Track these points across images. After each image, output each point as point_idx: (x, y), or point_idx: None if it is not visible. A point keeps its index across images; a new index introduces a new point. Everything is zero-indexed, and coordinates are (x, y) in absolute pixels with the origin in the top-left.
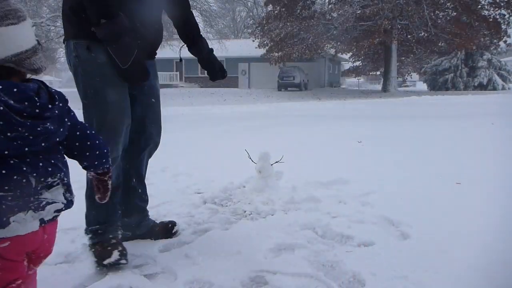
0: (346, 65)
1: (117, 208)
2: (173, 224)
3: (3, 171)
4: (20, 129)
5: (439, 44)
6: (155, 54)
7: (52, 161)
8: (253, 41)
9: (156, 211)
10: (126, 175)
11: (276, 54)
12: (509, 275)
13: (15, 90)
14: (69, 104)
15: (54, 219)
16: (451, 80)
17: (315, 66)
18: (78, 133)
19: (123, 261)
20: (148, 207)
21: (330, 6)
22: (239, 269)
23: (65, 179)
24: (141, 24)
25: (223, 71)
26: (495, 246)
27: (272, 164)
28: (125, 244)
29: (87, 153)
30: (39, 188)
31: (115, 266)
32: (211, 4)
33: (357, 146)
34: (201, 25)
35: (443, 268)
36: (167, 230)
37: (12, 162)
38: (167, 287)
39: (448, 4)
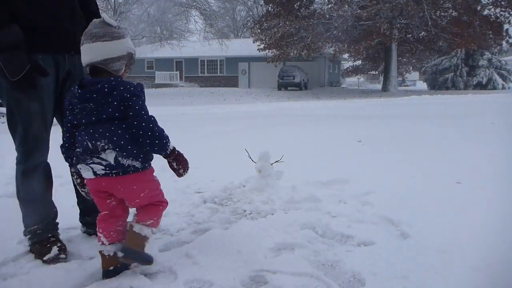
0: (346, 65)
1: (53, 206)
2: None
3: (77, 133)
4: (76, 108)
5: (439, 44)
6: (76, 46)
7: (100, 131)
8: (253, 42)
9: None
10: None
11: (274, 52)
12: (509, 275)
13: (81, 85)
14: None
15: (110, 175)
16: (451, 79)
17: (315, 66)
18: (134, 122)
19: (63, 256)
20: None
21: (329, 6)
22: (239, 269)
23: (117, 148)
24: (51, 17)
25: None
26: (495, 246)
27: (272, 164)
28: None
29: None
30: (93, 149)
31: (56, 261)
32: (211, 4)
33: (357, 145)
34: (201, 25)
35: (443, 268)
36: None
37: (80, 129)
38: (167, 287)
39: (449, 4)
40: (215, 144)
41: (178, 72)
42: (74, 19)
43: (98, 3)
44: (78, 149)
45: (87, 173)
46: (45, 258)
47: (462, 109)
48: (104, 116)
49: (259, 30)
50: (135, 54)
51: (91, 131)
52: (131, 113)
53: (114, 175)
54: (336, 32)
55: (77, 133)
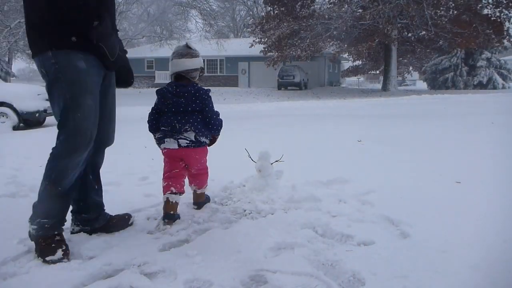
0: (347, 65)
1: (68, 207)
2: (129, 215)
3: (165, 117)
4: (169, 101)
5: (440, 43)
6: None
7: (186, 118)
8: (251, 45)
9: (156, 210)
10: (83, 172)
11: (275, 54)
12: (509, 275)
13: (174, 86)
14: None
15: (190, 147)
16: (451, 79)
17: (315, 65)
18: (208, 114)
19: (65, 260)
20: (148, 206)
21: (329, 6)
22: (239, 268)
23: (196, 130)
24: (112, 23)
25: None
26: (495, 246)
27: (272, 163)
28: (126, 244)
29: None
30: (179, 129)
31: (58, 262)
32: (210, 3)
33: (357, 145)
34: (200, 25)
35: (442, 268)
36: (124, 221)
37: (169, 115)
38: (167, 286)
39: (449, 3)
40: (215, 144)
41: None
42: (115, 28)
43: None
44: (165, 128)
45: (172, 145)
46: (47, 259)
47: (462, 109)
48: (189, 108)
49: (261, 32)
50: (204, 68)
51: (179, 117)
52: (206, 108)
53: (193, 147)
54: (336, 33)
55: (164, 117)
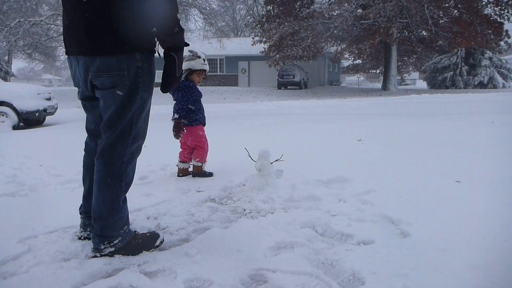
0: (346, 63)
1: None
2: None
3: (202, 106)
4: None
5: (439, 43)
6: None
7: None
8: (253, 42)
9: (156, 209)
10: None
11: (276, 55)
12: (509, 274)
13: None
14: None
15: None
16: (450, 78)
17: (315, 65)
18: None
19: (164, 239)
20: (148, 206)
21: (329, 3)
22: (239, 267)
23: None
24: None
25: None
26: (495, 245)
27: (272, 163)
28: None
29: None
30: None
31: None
32: (210, 2)
33: (357, 144)
34: (200, 24)
35: (442, 267)
36: None
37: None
38: (167, 285)
39: (450, 3)
40: (215, 143)
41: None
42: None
43: None
44: (203, 113)
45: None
46: (157, 243)
47: (462, 108)
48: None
49: (261, 31)
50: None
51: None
52: None
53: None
54: (336, 32)
55: (200, 105)
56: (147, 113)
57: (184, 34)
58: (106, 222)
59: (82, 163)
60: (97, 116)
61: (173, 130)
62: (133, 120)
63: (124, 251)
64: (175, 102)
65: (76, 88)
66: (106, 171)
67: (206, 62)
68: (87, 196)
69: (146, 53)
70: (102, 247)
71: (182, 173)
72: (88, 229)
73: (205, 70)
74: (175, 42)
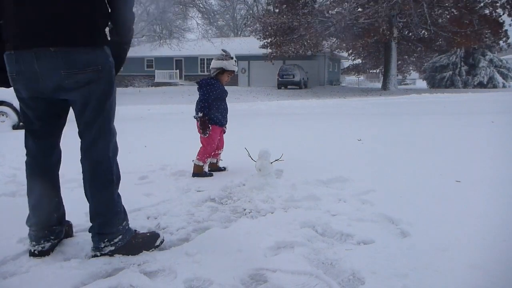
0: (346, 63)
1: None
2: (68, 224)
3: (223, 105)
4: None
5: (438, 42)
6: None
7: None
8: (252, 34)
9: (156, 209)
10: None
11: (273, 49)
12: (508, 274)
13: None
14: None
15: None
16: (449, 77)
17: (315, 64)
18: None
19: (164, 239)
20: (148, 206)
21: (328, 2)
22: (239, 267)
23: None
24: None
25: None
26: (495, 245)
27: (272, 162)
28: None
29: None
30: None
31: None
32: (210, 2)
33: (357, 144)
34: (200, 23)
35: (443, 266)
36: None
37: (224, 102)
38: (167, 285)
39: (448, 3)
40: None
41: (177, 71)
42: None
43: None
44: (222, 113)
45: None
46: (157, 243)
47: (462, 108)
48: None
49: (261, 26)
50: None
51: (226, 104)
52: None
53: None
54: (333, 30)
55: (220, 104)
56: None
57: (186, 34)
58: (104, 218)
59: (31, 170)
60: (44, 113)
61: (199, 127)
62: (110, 114)
63: (124, 250)
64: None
65: (93, 94)
66: (95, 169)
67: (237, 63)
68: (37, 206)
69: (108, 47)
70: (102, 246)
71: (213, 167)
72: (41, 241)
73: (234, 71)
74: (131, 36)
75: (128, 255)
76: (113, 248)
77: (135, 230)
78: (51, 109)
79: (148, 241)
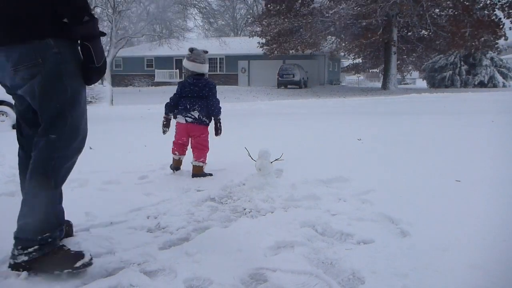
0: (346, 63)
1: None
2: (68, 224)
3: (182, 100)
4: (186, 89)
5: (437, 42)
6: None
7: (192, 100)
8: (253, 35)
9: (156, 209)
10: None
11: (273, 48)
12: (508, 274)
13: (193, 79)
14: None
15: (193, 123)
16: (449, 77)
17: (315, 64)
18: (212, 100)
19: (92, 262)
20: (148, 205)
21: (328, 3)
22: (239, 267)
23: (200, 109)
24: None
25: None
26: (495, 245)
27: (272, 162)
28: (126, 243)
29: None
30: (188, 108)
31: (87, 267)
32: (210, 2)
33: (357, 143)
34: (200, 23)
35: (443, 266)
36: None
37: (183, 98)
38: (167, 285)
39: (447, 3)
40: (215, 142)
41: (177, 70)
42: None
43: (97, 1)
44: (181, 107)
45: (181, 120)
46: (77, 264)
47: (462, 107)
48: (200, 94)
49: (259, 27)
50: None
51: (191, 100)
52: (211, 93)
53: (196, 123)
54: (333, 30)
55: (182, 100)
56: (84, 109)
57: (186, 33)
58: (25, 221)
59: (21, 166)
60: (24, 108)
61: (219, 129)
62: (65, 113)
63: (37, 263)
64: (190, 97)
65: (41, 89)
66: (35, 166)
67: (193, 54)
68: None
69: (63, 41)
70: (16, 253)
71: (179, 165)
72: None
73: (188, 69)
74: (88, 31)
75: (42, 271)
76: (26, 258)
77: (62, 245)
78: (26, 104)
79: (67, 260)
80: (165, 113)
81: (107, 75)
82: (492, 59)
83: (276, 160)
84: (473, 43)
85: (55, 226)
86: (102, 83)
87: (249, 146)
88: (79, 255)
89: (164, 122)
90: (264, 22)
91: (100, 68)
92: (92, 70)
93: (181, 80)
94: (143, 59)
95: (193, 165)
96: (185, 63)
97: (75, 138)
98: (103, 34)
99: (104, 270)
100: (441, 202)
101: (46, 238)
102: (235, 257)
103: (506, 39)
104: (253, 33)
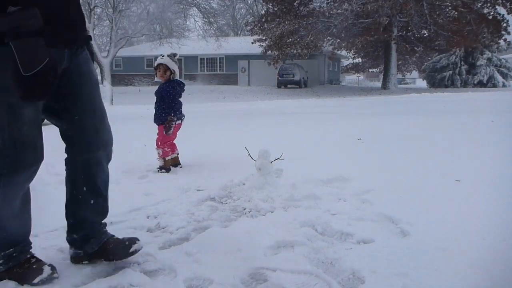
0: (346, 63)
1: (30, 223)
2: (131, 241)
3: (179, 103)
4: (178, 89)
5: (438, 42)
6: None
7: (180, 100)
8: (254, 41)
9: (156, 208)
10: (73, 184)
11: (275, 52)
12: (508, 273)
13: (182, 83)
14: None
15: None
16: (449, 77)
17: (315, 64)
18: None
19: (56, 275)
20: (148, 205)
21: (328, 4)
22: (239, 266)
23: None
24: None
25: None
26: (495, 244)
27: (271, 162)
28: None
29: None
30: (181, 109)
31: (49, 282)
32: (210, 1)
33: (357, 143)
34: (200, 23)
35: (442, 266)
36: (121, 248)
37: (180, 101)
38: (167, 284)
39: (448, 2)
40: (214, 142)
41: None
42: (80, 10)
43: (97, 1)
44: (178, 108)
45: (178, 120)
46: (35, 281)
47: (461, 107)
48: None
49: (259, 31)
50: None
51: (179, 100)
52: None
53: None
54: (335, 31)
55: (178, 103)
56: (25, 123)
57: (186, 33)
58: None
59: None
60: None
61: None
62: None
63: (6, 275)
64: (177, 101)
65: None
66: None
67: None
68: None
69: None
70: None
71: (173, 163)
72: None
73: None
74: (11, 25)
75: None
76: None
77: (30, 258)
78: None
79: (26, 276)
80: (172, 114)
81: (107, 74)
82: (489, 59)
83: (276, 159)
84: (473, 41)
85: (20, 244)
86: (102, 83)
87: (249, 145)
88: (38, 270)
89: (172, 123)
90: (264, 25)
91: (30, 79)
92: (19, 80)
93: (180, 79)
94: (143, 59)
95: (176, 157)
96: (174, 65)
97: (8, 156)
98: (34, 33)
99: (104, 270)
100: (441, 202)
101: (9, 254)
102: (235, 257)
103: (506, 38)
104: (256, 40)
